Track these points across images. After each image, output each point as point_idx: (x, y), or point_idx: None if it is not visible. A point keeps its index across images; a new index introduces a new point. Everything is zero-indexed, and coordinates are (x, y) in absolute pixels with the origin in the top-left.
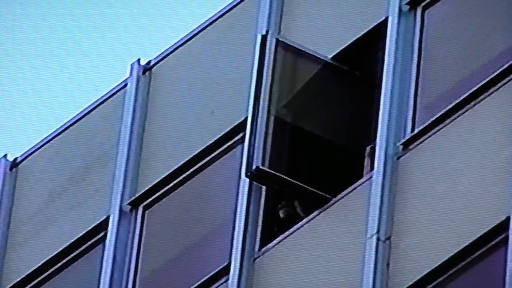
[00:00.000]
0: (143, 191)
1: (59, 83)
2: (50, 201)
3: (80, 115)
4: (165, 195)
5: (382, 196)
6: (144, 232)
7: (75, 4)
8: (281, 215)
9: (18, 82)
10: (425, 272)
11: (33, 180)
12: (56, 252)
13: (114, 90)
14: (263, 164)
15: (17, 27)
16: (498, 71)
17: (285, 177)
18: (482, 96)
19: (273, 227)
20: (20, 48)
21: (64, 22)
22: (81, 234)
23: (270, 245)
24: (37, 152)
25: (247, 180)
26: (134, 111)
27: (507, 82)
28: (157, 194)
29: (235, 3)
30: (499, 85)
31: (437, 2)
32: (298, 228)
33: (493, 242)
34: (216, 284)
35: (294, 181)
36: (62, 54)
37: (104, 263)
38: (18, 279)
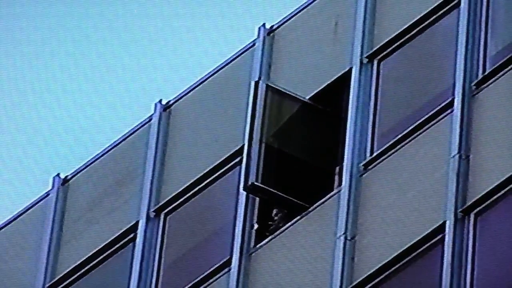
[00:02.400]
0: (164, 201)
1: (93, 118)
2: (91, 208)
3: (115, 143)
4: (182, 204)
5: (348, 205)
6: (165, 233)
7: (100, 45)
8: (275, 219)
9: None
10: (380, 264)
11: (79, 192)
12: (96, 250)
13: (142, 123)
14: (256, 180)
15: (17, 28)
16: (437, 108)
17: (273, 190)
18: (425, 128)
19: (265, 228)
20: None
21: (87, 54)
22: (116, 235)
23: (263, 242)
24: (83, 171)
25: (245, 193)
26: (157, 139)
27: (444, 116)
28: (175, 203)
29: (235, 56)
30: (438, 118)
31: (390, 55)
32: (284, 230)
33: (432, 241)
34: (221, 273)
35: (280, 193)
36: (92, 92)
37: (134, 258)
38: (66, 271)
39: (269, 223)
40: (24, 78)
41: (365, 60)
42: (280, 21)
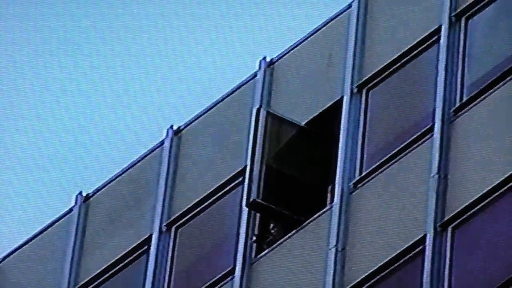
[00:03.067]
0: (175, 216)
1: (111, 140)
2: (109, 223)
3: (132, 164)
4: (191, 219)
5: (339, 220)
6: (176, 245)
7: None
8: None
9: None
10: (368, 273)
11: (98, 208)
12: (114, 260)
13: (156, 147)
14: (257, 197)
15: (17, 28)
16: (419, 133)
17: (273, 206)
18: (408, 150)
19: (264, 241)
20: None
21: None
22: (131, 247)
23: (263, 253)
24: (102, 189)
25: (247, 209)
26: (169, 161)
27: (425, 140)
28: (185, 218)
29: (238, 86)
30: (420, 141)
31: (377, 86)
32: (282, 242)
33: (414, 252)
34: (226, 281)
35: (279, 209)
36: (109, 117)
37: (148, 267)
38: (87, 279)
39: (266, 235)
40: (44, 103)
41: (355, 90)
42: (279, 54)
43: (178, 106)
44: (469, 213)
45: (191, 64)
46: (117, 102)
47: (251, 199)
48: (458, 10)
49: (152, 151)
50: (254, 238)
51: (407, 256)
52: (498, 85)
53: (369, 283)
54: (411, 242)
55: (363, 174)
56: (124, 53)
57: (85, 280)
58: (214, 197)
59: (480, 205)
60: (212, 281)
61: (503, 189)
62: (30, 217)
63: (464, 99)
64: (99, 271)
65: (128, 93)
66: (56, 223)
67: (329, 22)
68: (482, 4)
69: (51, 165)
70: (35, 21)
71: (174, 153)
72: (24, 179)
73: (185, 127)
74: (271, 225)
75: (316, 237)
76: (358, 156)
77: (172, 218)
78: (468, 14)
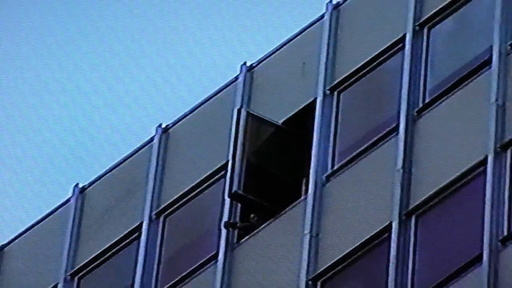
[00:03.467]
0: (163, 206)
1: (105, 136)
2: (104, 212)
3: (124, 159)
4: (178, 208)
5: (313, 209)
6: (165, 232)
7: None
8: (253, 221)
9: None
10: (339, 257)
11: (94, 199)
12: (108, 245)
13: (146, 143)
14: (238, 189)
15: (17, 28)
16: (385, 131)
17: (252, 197)
18: (375, 147)
19: (234, 227)
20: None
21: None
22: (124, 234)
23: (244, 239)
24: (97, 181)
25: (229, 199)
26: (158, 156)
27: (391, 138)
28: (172, 208)
29: (221, 88)
30: (386, 139)
31: (347, 88)
32: (261, 229)
33: (381, 238)
34: (210, 264)
35: (258, 200)
36: (98, 117)
37: (139, 252)
38: (84, 262)
39: (235, 222)
40: (51, 99)
41: (327, 92)
42: (258, 59)
43: (166, 106)
44: (431, 203)
45: (177, 66)
46: (110, 101)
47: (232, 191)
48: (421, 20)
49: (143, 147)
50: (223, 224)
51: (375, 242)
52: (456, 89)
53: (340, 266)
54: (379, 229)
55: (335, 168)
56: (121, 53)
57: (81, 264)
58: (199, 189)
59: (440, 196)
60: (197, 264)
61: (461, 182)
62: (31, 206)
63: (426, 101)
64: (94, 255)
65: (121, 93)
66: (55, 212)
67: (303, 31)
68: (442, 15)
69: (50, 159)
70: (35, 21)
71: (163, 149)
72: (26, 172)
73: (172, 126)
74: (252, 215)
75: (292, 225)
76: (330, 152)
77: (161, 208)
78: (430, 24)
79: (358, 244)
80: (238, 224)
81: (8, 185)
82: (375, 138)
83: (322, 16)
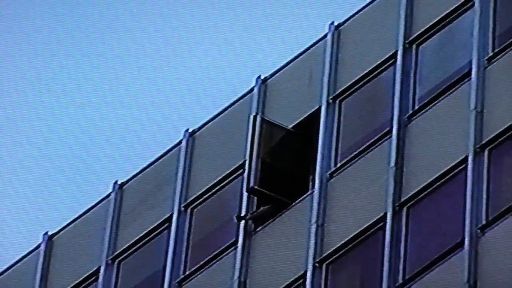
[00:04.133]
0: (191, 199)
1: (122, 142)
2: (140, 204)
3: (156, 159)
4: (203, 202)
5: (319, 202)
6: (192, 222)
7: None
8: (257, 214)
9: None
10: (341, 243)
11: (132, 193)
12: (142, 234)
13: (175, 145)
14: (255, 185)
15: (17, 28)
16: (380, 134)
17: (266, 191)
18: (372, 148)
19: (244, 219)
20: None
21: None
22: (156, 224)
23: (259, 228)
24: (133, 179)
25: (246, 193)
26: (185, 157)
27: (385, 140)
28: (199, 201)
29: (239, 97)
30: (381, 141)
31: (348, 97)
32: (275, 219)
33: (377, 226)
34: (231, 249)
35: (271, 194)
36: (115, 119)
37: (170, 240)
38: (122, 248)
39: (245, 215)
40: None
41: (330, 101)
42: (271, 73)
43: (192, 112)
44: (420, 196)
45: (202, 78)
46: (144, 105)
47: (250, 186)
48: (410, 39)
49: (172, 148)
50: (239, 217)
51: (372, 230)
52: (441, 97)
53: (343, 251)
54: (375, 219)
55: (337, 166)
56: (152, 61)
57: (121, 250)
58: (221, 185)
59: (428, 190)
60: (220, 249)
61: (446, 178)
62: (77, 200)
63: (415, 108)
64: (131, 242)
65: (153, 98)
66: (98, 205)
67: (309, 48)
68: (428, 34)
69: (93, 159)
70: (35, 21)
71: (189, 150)
72: (72, 170)
73: (198, 130)
74: (266, 207)
75: (301, 215)
76: (333, 152)
77: (188, 201)
78: (418, 41)
79: (357, 231)
80: (246, 216)
81: (57, 182)
82: (372, 140)
83: (325, 36)
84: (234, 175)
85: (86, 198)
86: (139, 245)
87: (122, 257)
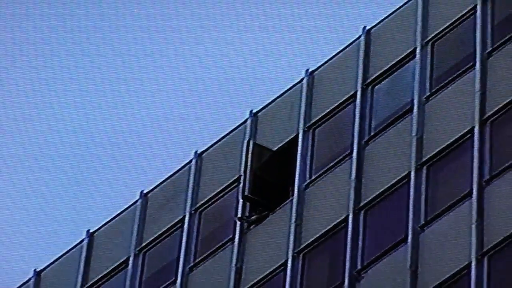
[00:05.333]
0: (199, 204)
1: (130, 163)
2: (160, 208)
3: (171, 174)
4: (208, 206)
5: (297, 207)
6: (200, 222)
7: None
8: (253, 217)
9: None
10: (313, 238)
11: (154, 200)
12: (161, 231)
13: (185, 164)
14: (248, 193)
15: (17, 28)
16: (344, 154)
17: (257, 198)
18: (338, 165)
19: (242, 220)
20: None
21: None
22: (173, 222)
23: (252, 227)
24: (155, 189)
25: (241, 200)
26: (195, 172)
27: (348, 159)
28: (205, 206)
29: (235, 127)
30: (345, 160)
31: (319, 126)
32: (263, 219)
33: (340, 226)
34: (228, 244)
35: (261, 200)
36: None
37: (183, 235)
38: (146, 242)
39: (244, 216)
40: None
41: (306, 129)
42: (260, 108)
43: (200, 135)
44: (374, 201)
45: (203, 104)
46: (161, 127)
47: (244, 194)
48: (367, 81)
49: (184, 166)
50: (236, 219)
51: (336, 229)
52: (390, 127)
53: (315, 244)
54: (340, 219)
55: (312, 179)
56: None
57: (145, 243)
58: (222, 193)
59: (381, 197)
60: (221, 243)
61: (394, 188)
62: (107, 206)
63: (371, 134)
64: (153, 237)
65: (166, 122)
66: (126, 210)
67: (290, 89)
68: (382, 78)
69: (120, 169)
70: (35, 21)
71: (198, 167)
72: (103, 180)
73: (204, 151)
74: (257, 210)
75: (283, 217)
76: (308, 168)
77: (197, 205)
78: (373, 84)
79: (326, 229)
80: (244, 218)
81: (94, 188)
82: (338, 159)
83: (301, 80)
84: (232, 186)
85: (117, 204)
86: (159, 239)
87: (146, 249)
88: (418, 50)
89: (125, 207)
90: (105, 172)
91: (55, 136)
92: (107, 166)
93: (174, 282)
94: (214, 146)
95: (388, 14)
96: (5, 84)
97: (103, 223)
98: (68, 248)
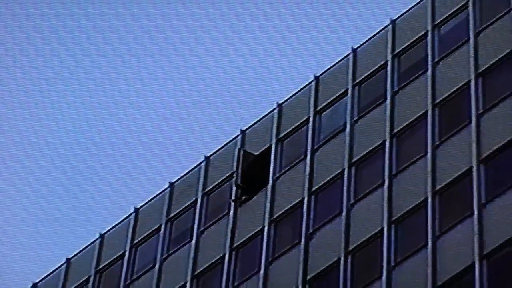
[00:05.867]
0: (208, 189)
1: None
2: (180, 193)
3: (186, 172)
4: (215, 191)
5: (271, 192)
6: (209, 202)
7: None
8: (242, 199)
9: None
10: (282, 211)
11: (176, 190)
12: (186, 204)
13: (193, 168)
14: (239, 183)
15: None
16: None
17: (245, 186)
18: (296, 163)
19: (237, 201)
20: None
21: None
22: (189, 202)
23: (240, 205)
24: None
25: (235, 187)
26: (205, 170)
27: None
28: (212, 191)
29: (229, 140)
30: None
31: (287, 138)
32: (249, 200)
33: (298, 203)
34: (226, 216)
35: (247, 187)
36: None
37: (196, 210)
38: (176, 211)
39: (238, 198)
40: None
41: (277, 141)
42: (249, 126)
43: (210, 141)
44: (324, 187)
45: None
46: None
47: (237, 183)
48: (318, 108)
49: (196, 167)
50: (231, 200)
51: (297, 206)
52: (324, 144)
53: (283, 215)
54: (298, 200)
55: (281, 173)
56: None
57: (175, 213)
58: (223, 182)
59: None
60: (222, 215)
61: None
62: (108, 206)
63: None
64: (179, 210)
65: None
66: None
67: (263, 117)
68: (326, 108)
69: (122, 170)
70: (35, 21)
71: (207, 168)
72: (103, 180)
73: (211, 155)
74: (245, 194)
75: (261, 199)
76: (278, 166)
77: (206, 190)
78: (321, 111)
79: (289, 206)
80: (237, 199)
81: (94, 188)
82: (297, 160)
83: (273, 110)
84: (230, 178)
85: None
86: (184, 212)
87: (175, 218)
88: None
89: (129, 211)
90: (105, 172)
91: (55, 136)
92: (107, 166)
93: (190, 241)
94: (216, 153)
95: None
96: (5, 84)
97: (117, 222)
98: (118, 221)
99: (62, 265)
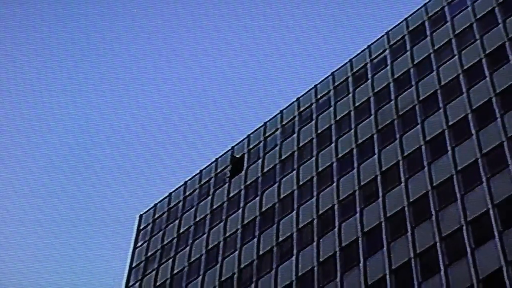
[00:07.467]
0: (217, 170)
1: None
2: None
3: (199, 170)
4: (218, 174)
5: (245, 172)
6: (217, 179)
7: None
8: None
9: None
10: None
11: (190, 185)
12: (200, 183)
13: (213, 160)
14: (229, 170)
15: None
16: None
17: (232, 172)
18: (268, 152)
19: (231, 178)
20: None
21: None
22: (202, 183)
23: (231, 179)
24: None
25: (229, 172)
26: (215, 166)
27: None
28: (216, 173)
29: (226, 151)
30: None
31: (254, 148)
32: (234, 177)
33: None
34: (223, 185)
35: (234, 172)
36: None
37: (211, 180)
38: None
39: (230, 176)
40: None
41: (249, 150)
42: (241, 140)
43: (211, 138)
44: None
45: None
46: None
47: (229, 170)
48: (284, 122)
49: (213, 162)
50: (226, 177)
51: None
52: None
53: (252, 186)
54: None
55: (250, 164)
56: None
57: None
58: (224, 167)
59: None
60: (221, 184)
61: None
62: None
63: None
64: (196, 186)
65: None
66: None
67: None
68: (293, 126)
69: (122, 169)
70: (35, 21)
71: (216, 169)
72: (102, 180)
73: (220, 157)
74: (232, 175)
75: (243, 178)
76: (252, 160)
77: (217, 171)
78: (284, 125)
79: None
80: (228, 177)
81: (93, 188)
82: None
83: (242, 139)
84: (226, 168)
85: (121, 202)
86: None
87: (187, 194)
88: None
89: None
90: (105, 172)
91: (55, 136)
92: (106, 166)
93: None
94: (224, 154)
95: None
96: (5, 84)
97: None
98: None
99: None
